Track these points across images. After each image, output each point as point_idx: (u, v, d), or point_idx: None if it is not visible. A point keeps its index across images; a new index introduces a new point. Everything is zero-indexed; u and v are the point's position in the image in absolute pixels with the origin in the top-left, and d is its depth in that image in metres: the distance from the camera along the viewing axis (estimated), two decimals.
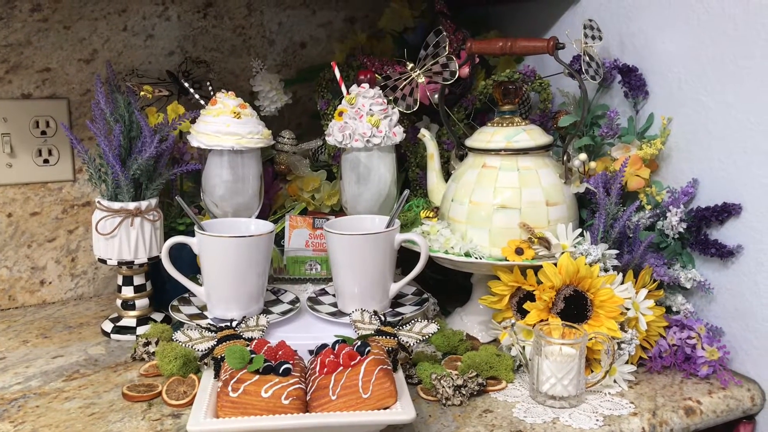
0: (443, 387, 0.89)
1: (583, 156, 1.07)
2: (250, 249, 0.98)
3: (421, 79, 1.14)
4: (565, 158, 1.07)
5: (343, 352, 0.80)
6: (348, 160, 1.11)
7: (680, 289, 1.06)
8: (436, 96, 1.15)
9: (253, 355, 0.80)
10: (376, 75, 1.15)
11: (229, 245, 0.97)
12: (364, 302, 1.02)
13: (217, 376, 0.83)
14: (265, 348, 0.82)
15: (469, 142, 1.10)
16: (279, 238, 1.17)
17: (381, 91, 1.11)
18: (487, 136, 1.07)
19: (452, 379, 0.90)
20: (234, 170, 1.08)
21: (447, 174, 1.18)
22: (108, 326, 1.11)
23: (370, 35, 1.39)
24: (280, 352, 0.82)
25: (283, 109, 1.32)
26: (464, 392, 0.90)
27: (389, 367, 0.79)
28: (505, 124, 1.08)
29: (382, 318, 0.95)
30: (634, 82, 1.10)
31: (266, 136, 1.08)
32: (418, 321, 0.93)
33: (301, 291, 1.13)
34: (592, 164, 1.09)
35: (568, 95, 1.19)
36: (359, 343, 0.82)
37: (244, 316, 0.97)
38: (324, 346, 0.85)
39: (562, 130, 1.17)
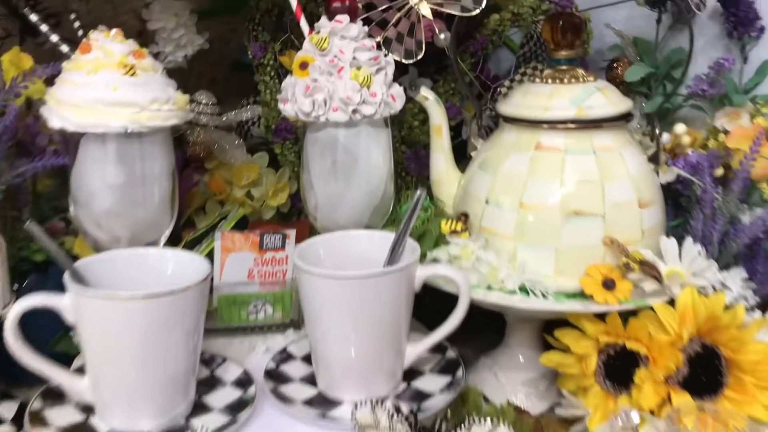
0: None
1: (681, 127, 0.71)
2: (173, 314, 0.55)
3: (425, 9, 0.72)
4: (651, 130, 0.70)
5: None
6: (318, 142, 0.69)
7: None
8: (443, 36, 0.74)
9: None
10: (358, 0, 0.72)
11: (134, 312, 0.53)
12: (366, 378, 0.62)
13: None
14: None
15: (510, 109, 0.70)
16: None
17: (367, 29, 0.69)
18: (540, 99, 0.68)
19: None
20: (128, 167, 0.63)
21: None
22: None
23: None
24: None
25: (192, 59, 0.87)
26: None
27: None
28: (566, 80, 0.69)
29: (413, 419, 0.55)
30: (743, 13, 0.73)
31: (181, 105, 0.64)
32: (474, 423, 0.54)
33: (248, 353, 0.71)
34: (686, 137, 0.73)
35: (622, 34, 0.81)
36: None
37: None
38: None
39: (623, 86, 0.79)
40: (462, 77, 0.75)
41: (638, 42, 0.82)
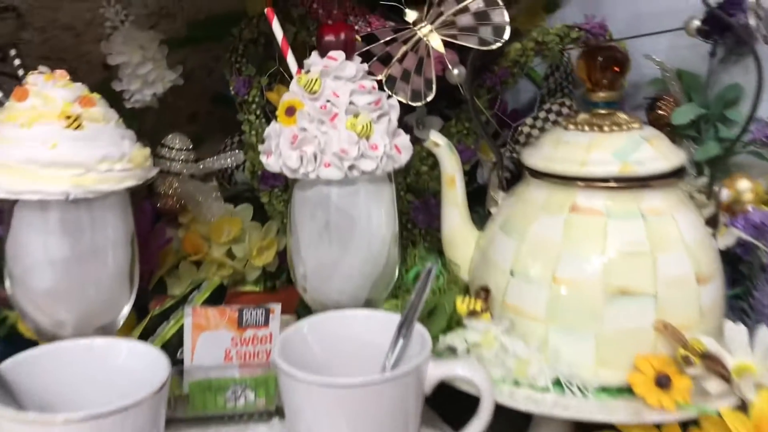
0: None
1: (744, 183, 0.59)
2: None
3: (436, 42, 0.61)
4: (708, 186, 0.59)
5: None
6: (307, 202, 0.57)
7: None
8: (457, 72, 0.62)
9: None
10: (356, 32, 0.61)
11: None
12: None
13: None
14: None
15: (538, 161, 0.58)
16: (175, 348, 0.61)
17: (367, 66, 0.57)
18: (576, 151, 0.56)
19: None
20: (74, 238, 0.51)
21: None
22: None
23: None
24: None
25: (168, 92, 0.75)
26: None
27: None
28: (606, 128, 0.57)
29: None
30: None
31: (140, 161, 0.52)
32: None
33: None
34: (748, 193, 0.61)
35: (666, 67, 0.69)
36: None
37: None
38: None
39: (667, 129, 0.68)
40: (478, 117, 0.64)
41: (684, 76, 0.70)
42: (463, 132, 0.74)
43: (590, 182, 0.55)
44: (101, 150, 0.49)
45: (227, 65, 0.72)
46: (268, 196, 0.73)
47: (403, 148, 0.57)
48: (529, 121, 0.75)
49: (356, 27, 0.69)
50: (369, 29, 0.68)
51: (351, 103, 0.55)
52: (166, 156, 0.68)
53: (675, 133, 0.66)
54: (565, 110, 0.74)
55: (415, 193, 0.74)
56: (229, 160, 0.68)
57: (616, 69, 0.58)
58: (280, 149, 0.55)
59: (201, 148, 0.82)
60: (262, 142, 0.72)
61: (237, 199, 0.77)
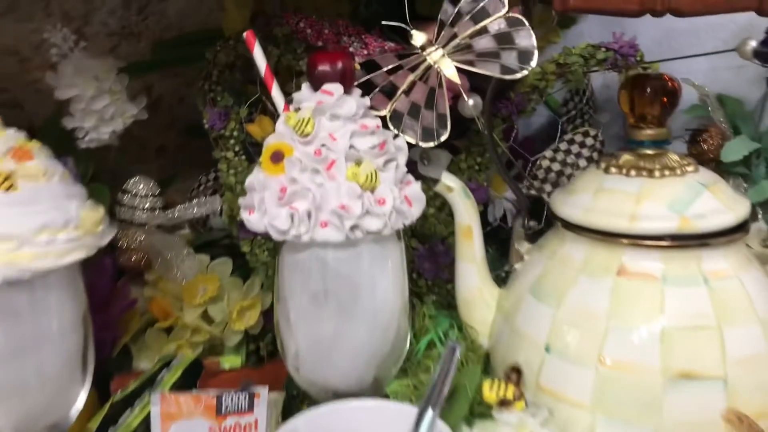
0: None
1: None
2: None
3: (449, 69, 0.51)
4: None
5: None
6: (299, 268, 0.47)
7: None
8: (472, 103, 0.52)
9: None
10: (354, 58, 0.51)
11: None
12: None
13: None
14: None
15: (575, 212, 0.49)
16: None
17: (368, 100, 0.47)
18: (623, 202, 0.47)
19: None
20: (10, 326, 0.41)
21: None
22: None
23: None
24: None
25: (130, 125, 0.64)
26: None
27: None
28: (656, 172, 0.48)
29: None
30: None
31: (90, 227, 0.42)
32: None
33: None
34: None
35: (707, 93, 0.60)
36: None
37: None
38: None
39: (712, 165, 0.59)
40: (499, 157, 0.54)
41: (727, 102, 0.61)
42: (475, 168, 0.64)
43: (642, 240, 0.46)
44: (40, 216, 0.39)
45: (200, 94, 0.61)
46: (249, 245, 0.63)
47: (414, 200, 0.47)
48: (548, 153, 0.65)
49: (351, 49, 0.59)
50: (366, 52, 0.58)
51: (351, 147, 0.45)
52: (128, 204, 0.58)
53: (720, 170, 0.57)
54: (589, 141, 0.65)
55: (421, 239, 0.64)
56: (203, 208, 0.58)
57: (666, 101, 0.48)
58: (266, 205, 0.45)
59: (171, 187, 0.71)
60: (242, 183, 0.63)
61: (213, 247, 0.67)
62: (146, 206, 0.58)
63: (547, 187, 0.66)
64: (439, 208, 0.64)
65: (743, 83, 0.60)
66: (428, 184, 0.62)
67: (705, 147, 0.58)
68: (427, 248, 0.64)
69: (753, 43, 0.53)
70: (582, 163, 0.65)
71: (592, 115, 0.69)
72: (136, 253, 0.58)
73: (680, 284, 0.45)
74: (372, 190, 0.45)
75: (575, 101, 0.70)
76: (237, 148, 0.62)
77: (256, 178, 0.46)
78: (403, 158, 0.48)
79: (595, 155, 0.65)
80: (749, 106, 0.61)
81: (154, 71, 0.71)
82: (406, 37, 0.59)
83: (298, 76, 0.61)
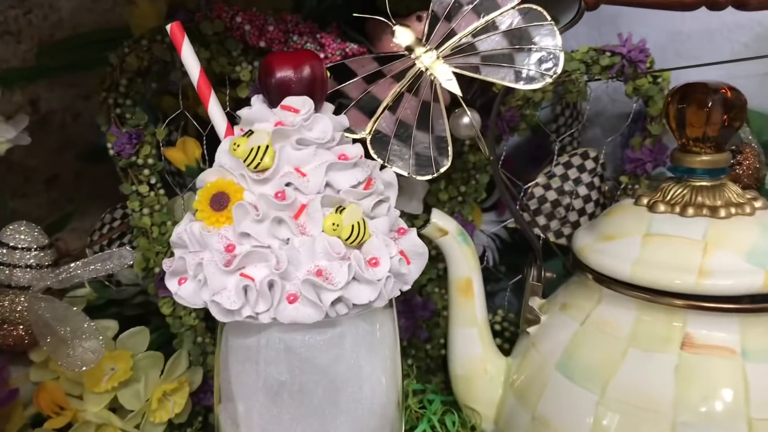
0: None
1: None
2: None
3: (445, 75, 0.38)
4: None
5: None
6: (255, 354, 0.33)
7: None
8: (467, 120, 0.40)
9: None
10: (325, 58, 0.37)
11: None
12: None
13: None
14: None
15: (617, 263, 0.37)
16: None
17: (346, 120, 0.34)
18: (683, 251, 0.36)
19: None
20: None
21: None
22: None
23: None
24: None
25: (10, 150, 0.48)
26: None
27: None
28: (722, 210, 0.37)
29: None
30: None
31: None
32: None
33: None
34: None
35: (751, 113, 0.50)
36: None
37: None
38: None
39: (749, 191, 0.48)
40: (506, 187, 0.42)
41: (751, 117, 0.52)
42: (458, 199, 0.52)
43: (713, 302, 0.35)
44: None
45: (102, 110, 0.46)
46: (171, 306, 0.48)
47: (413, 256, 0.34)
48: (541, 179, 0.54)
49: (294, 45, 0.45)
50: (323, 56, 0.45)
51: (328, 186, 0.32)
52: (6, 261, 0.42)
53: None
54: (589, 164, 0.54)
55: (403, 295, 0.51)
56: (108, 264, 0.42)
57: (727, 118, 0.37)
58: (204, 272, 0.31)
59: (66, 229, 0.56)
60: (159, 226, 0.48)
61: (123, 306, 0.52)
62: (30, 263, 0.42)
63: (541, 220, 0.54)
64: None
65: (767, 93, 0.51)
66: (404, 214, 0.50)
67: (740, 171, 0.48)
68: (402, 301, 0.51)
69: None
70: (582, 190, 0.54)
71: (579, 131, 0.58)
72: (17, 326, 0.42)
73: (767, 360, 0.34)
74: (360, 246, 0.32)
75: (565, 116, 0.59)
76: (153, 180, 0.47)
77: (187, 230, 0.32)
78: (394, 196, 0.35)
79: (596, 181, 0.54)
80: None
81: (40, 80, 0.55)
82: (372, 39, 0.47)
83: (234, 85, 0.47)
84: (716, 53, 0.54)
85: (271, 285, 0.30)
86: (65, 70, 0.55)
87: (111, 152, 0.46)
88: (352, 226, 0.31)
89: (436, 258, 0.51)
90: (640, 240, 0.37)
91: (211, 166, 0.33)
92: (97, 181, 0.59)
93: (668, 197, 0.38)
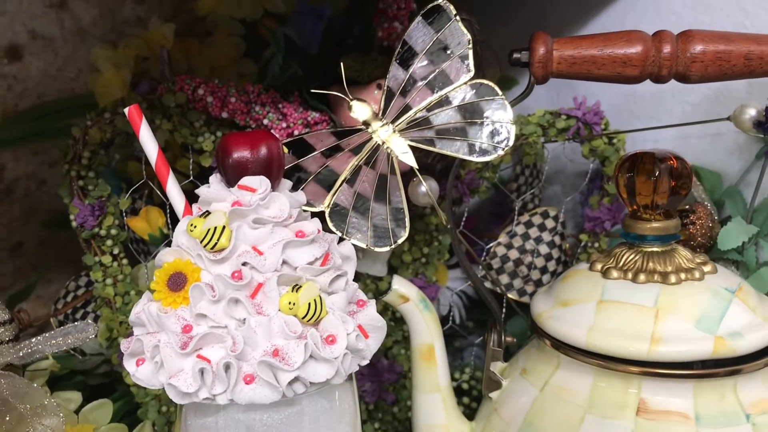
0: None
1: None
2: None
3: (401, 148, 0.39)
4: None
5: None
6: (222, 430, 0.33)
7: None
8: (422, 190, 0.41)
9: None
10: (287, 128, 0.38)
11: None
12: None
13: None
14: None
15: (574, 332, 0.37)
16: None
17: (303, 195, 0.35)
18: (636, 318, 0.36)
19: None
20: None
21: None
22: None
23: (186, 28, 0.60)
24: None
25: None
26: None
27: None
28: (672, 276, 0.38)
29: None
30: None
31: None
32: None
33: None
34: None
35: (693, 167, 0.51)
36: None
37: None
38: None
39: (698, 251, 0.50)
40: (464, 253, 0.43)
41: (704, 176, 0.53)
42: (421, 260, 0.53)
43: (666, 369, 0.35)
44: None
45: (65, 183, 0.47)
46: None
47: (371, 330, 0.34)
48: (503, 238, 0.55)
49: (266, 122, 0.46)
50: (285, 125, 0.46)
51: (285, 263, 0.32)
52: None
53: (711, 258, 0.48)
54: (549, 223, 0.55)
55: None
56: (70, 338, 0.42)
57: (674, 185, 0.39)
58: (161, 354, 0.31)
59: (30, 298, 0.56)
60: (123, 296, 0.48)
61: (87, 375, 0.52)
62: None
63: (504, 279, 0.55)
64: (380, 312, 0.52)
65: (720, 154, 0.53)
66: (365, 283, 0.50)
67: (693, 230, 0.49)
68: (368, 364, 0.51)
69: (752, 112, 0.45)
70: (543, 249, 0.54)
71: (538, 187, 0.59)
72: None
73: (719, 424, 0.35)
74: (317, 324, 0.32)
75: (525, 175, 0.60)
76: (116, 251, 0.48)
77: (145, 311, 0.32)
78: (352, 270, 0.35)
79: (557, 239, 0.55)
80: (728, 180, 0.53)
81: (4, 149, 0.55)
82: (334, 107, 0.48)
83: (198, 153, 0.47)
84: (668, 114, 0.56)
85: (227, 367, 0.31)
86: (30, 139, 0.55)
87: (74, 224, 0.47)
88: (309, 303, 0.32)
89: (402, 320, 0.51)
90: (594, 307, 0.38)
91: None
92: (63, 247, 0.59)
93: (621, 263, 0.39)
